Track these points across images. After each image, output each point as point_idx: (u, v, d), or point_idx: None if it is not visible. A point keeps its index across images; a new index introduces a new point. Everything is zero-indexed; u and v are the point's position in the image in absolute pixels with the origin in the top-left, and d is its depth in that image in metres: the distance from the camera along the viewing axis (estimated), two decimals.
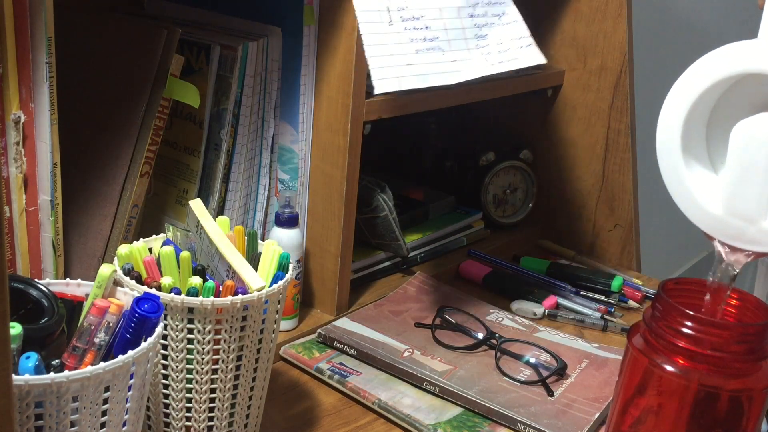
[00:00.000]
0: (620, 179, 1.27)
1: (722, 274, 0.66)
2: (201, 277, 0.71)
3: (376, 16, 0.85)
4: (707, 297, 0.68)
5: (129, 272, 0.71)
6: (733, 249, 0.64)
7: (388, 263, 1.15)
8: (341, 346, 0.95)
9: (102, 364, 0.56)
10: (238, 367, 0.72)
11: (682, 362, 0.66)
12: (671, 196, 0.66)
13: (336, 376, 0.90)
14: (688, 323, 0.65)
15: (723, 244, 0.64)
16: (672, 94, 0.64)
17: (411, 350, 0.95)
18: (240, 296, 0.69)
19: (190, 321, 0.69)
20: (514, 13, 0.95)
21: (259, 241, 0.79)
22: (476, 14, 0.92)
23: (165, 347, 0.70)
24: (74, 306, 0.66)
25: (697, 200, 0.64)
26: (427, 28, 0.88)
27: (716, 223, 0.64)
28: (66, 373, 0.55)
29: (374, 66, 0.84)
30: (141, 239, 0.77)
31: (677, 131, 0.63)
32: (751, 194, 0.61)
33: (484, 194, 1.31)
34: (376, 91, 0.85)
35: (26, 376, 0.54)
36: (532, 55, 0.95)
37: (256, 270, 0.74)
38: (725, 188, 0.63)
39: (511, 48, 0.93)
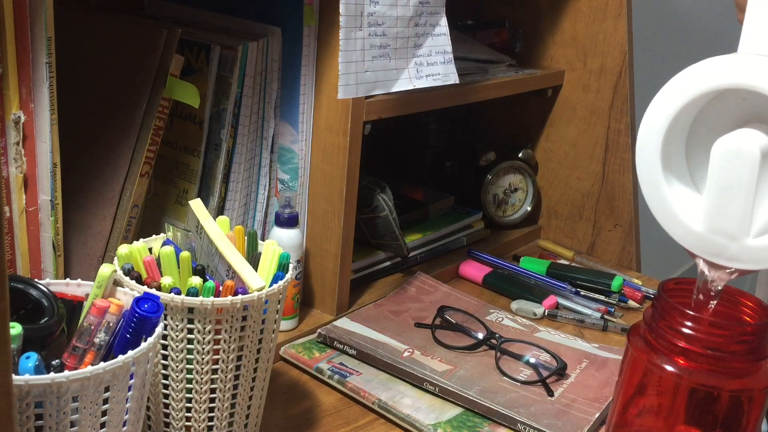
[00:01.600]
0: (620, 179, 1.27)
1: (705, 290, 0.65)
2: (201, 277, 0.71)
3: (352, 21, 0.86)
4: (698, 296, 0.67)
5: (129, 272, 0.71)
6: (716, 266, 0.63)
7: (388, 263, 1.15)
8: (341, 346, 0.95)
9: (102, 364, 0.56)
10: (238, 367, 0.72)
11: (682, 362, 0.66)
12: (652, 214, 0.65)
13: (336, 376, 0.90)
14: (688, 323, 0.65)
15: (705, 261, 0.64)
16: (651, 109, 0.62)
17: (411, 350, 0.95)
18: (240, 296, 0.69)
19: (190, 321, 0.69)
20: (444, 25, 0.96)
21: (259, 241, 0.79)
22: (420, 23, 0.92)
23: (165, 347, 0.70)
24: (74, 306, 0.66)
25: (679, 217, 0.63)
26: (384, 35, 0.89)
27: (698, 241, 0.63)
28: (66, 373, 0.55)
29: (341, 72, 0.85)
30: (141, 239, 0.77)
31: (657, 147, 0.62)
32: (732, 211, 0.60)
33: (484, 194, 1.31)
34: (340, 97, 0.87)
35: (26, 376, 0.54)
36: (449, 74, 0.97)
37: (256, 270, 0.74)
38: (706, 205, 0.61)
39: (436, 62, 0.94)
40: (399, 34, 0.90)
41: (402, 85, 0.93)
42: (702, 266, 0.64)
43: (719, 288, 0.65)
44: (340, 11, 0.85)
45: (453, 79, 0.98)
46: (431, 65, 0.94)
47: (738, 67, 0.58)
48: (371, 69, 0.88)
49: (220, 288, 0.70)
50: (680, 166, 0.64)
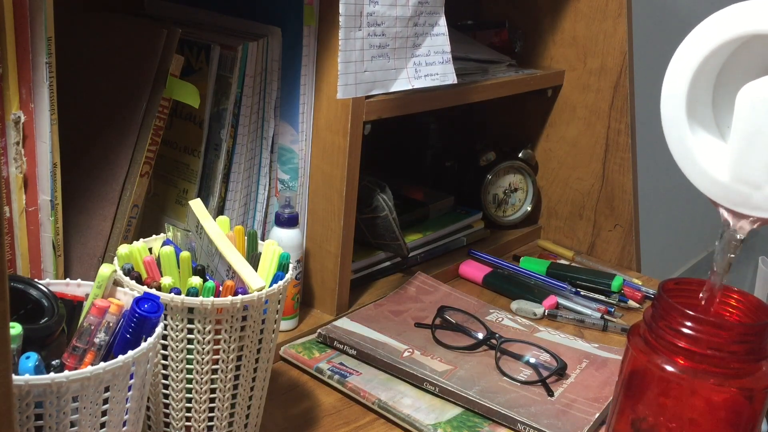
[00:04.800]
0: (620, 179, 1.27)
1: (728, 240, 0.64)
2: (201, 277, 0.71)
3: (352, 21, 0.86)
4: (703, 292, 0.67)
5: (129, 272, 0.71)
6: (739, 215, 0.62)
7: (388, 263, 1.15)
8: (341, 346, 0.95)
9: (102, 364, 0.56)
10: (238, 367, 0.72)
11: (682, 362, 0.66)
12: (675, 162, 0.64)
13: (336, 376, 0.90)
14: (688, 323, 0.65)
15: (728, 210, 0.63)
16: (676, 57, 0.61)
17: (411, 350, 0.95)
18: (240, 296, 0.69)
19: (190, 321, 0.69)
20: (443, 25, 0.96)
21: (259, 241, 0.79)
22: (419, 23, 0.92)
23: (165, 347, 0.70)
24: (74, 306, 0.66)
25: (703, 167, 0.62)
26: (383, 35, 0.89)
27: (722, 190, 0.62)
28: (66, 373, 0.55)
29: (341, 72, 0.85)
30: (141, 239, 0.77)
31: (682, 96, 0.61)
32: (757, 160, 0.59)
33: (484, 194, 1.31)
34: (339, 97, 0.87)
35: (26, 376, 0.54)
36: (447, 73, 0.97)
37: (256, 270, 0.74)
38: (731, 154, 0.60)
39: (435, 62, 0.94)
40: (398, 34, 0.90)
41: (400, 85, 0.93)
42: (725, 216, 0.64)
43: (741, 237, 0.63)
44: (340, 11, 0.85)
45: (451, 79, 0.98)
46: (430, 65, 0.95)
47: (766, 12, 0.57)
48: (370, 69, 0.88)
49: (220, 288, 0.70)
50: (705, 115, 0.63)
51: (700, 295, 0.68)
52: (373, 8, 0.87)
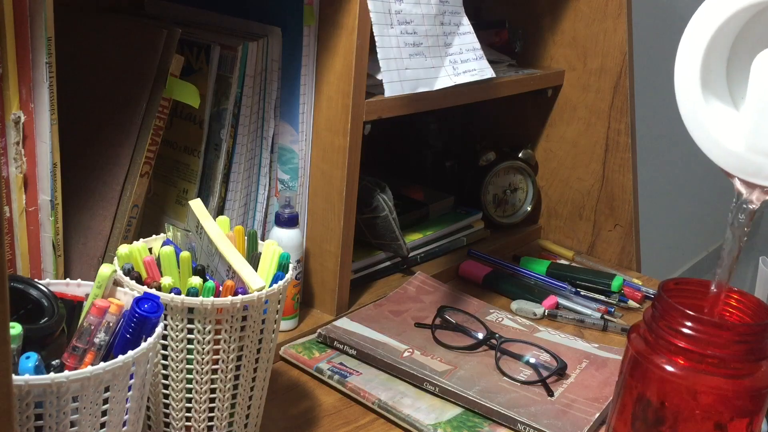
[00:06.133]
0: (620, 179, 1.27)
1: (741, 211, 0.64)
2: (201, 277, 0.71)
3: (383, 18, 0.85)
4: (712, 288, 0.67)
5: (129, 272, 0.71)
6: (753, 186, 0.62)
7: (388, 263, 1.15)
8: (341, 346, 0.95)
9: (102, 364, 0.56)
10: (238, 367, 0.72)
11: (682, 362, 0.66)
12: (689, 134, 0.63)
13: (336, 376, 0.90)
14: (688, 323, 0.65)
15: (742, 181, 0.62)
16: (690, 27, 0.61)
17: (411, 350, 0.95)
18: (240, 296, 0.69)
19: (190, 321, 0.69)
20: (467, 24, 0.97)
21: (259, 241, 0.79)
22: (445, 22, 0.93)
23: (165, 347, 0.70)
24: (74, 306, 0.66)
25: (717, 137, 0.62)
26: (414, 33, 0.89)
27: (736, 160, 0.61)
28: (66, 373, 0.55)
29: (384, 69, 0.85)
30: (141, 239, 0.77)
31: (696, 66, 0.61)
32: None
33: (484, 194, 1.31)
34: (387, 95, 0.87)
35: (26, 376, 0.54)
36: (484, 68, 0.97)
37: (256, 270, 0.74)
38: (746, 124, 0.60)
39: (469, 59, 0.95)
40: (428, 32, 0.90)
41: (443, 82, 0.94)
42: (738, 186, 0.63)
43: (756, 207, 0.63)
44: (369, 8, 0.85)
45: (489, 73, 0.99)
46: (465, 62, 0.95)
47: None
48: (411, 67, 0.88)
49: (220, 288, 0.70)
50: (719, 85, 0.63)
51: (711, 288, 0.67)
52: (400, 6, 0.87)
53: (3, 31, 0.70)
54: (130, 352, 0.58)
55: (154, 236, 0.79)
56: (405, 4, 0.88)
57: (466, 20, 0.97)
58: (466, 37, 0.95)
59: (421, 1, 0.89)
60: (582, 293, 1.16)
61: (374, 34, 0.85)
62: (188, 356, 0.70)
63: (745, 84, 0.60)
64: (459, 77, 0.94)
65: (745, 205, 0.64)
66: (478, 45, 0.97)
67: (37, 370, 0.55)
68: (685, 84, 0.62)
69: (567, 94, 1.30)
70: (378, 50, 0.85)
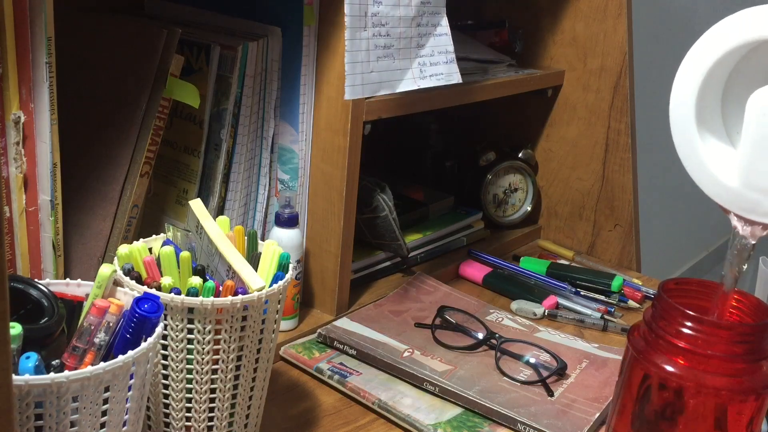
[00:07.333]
0: (620, 179, 1.27)
1: (739, 247, 0.64)
2: (201, 277, 0.71)
3: (357, 21, 0.86)
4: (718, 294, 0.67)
5: (129, 272, 0.71)
6: (749, 222, 0.62)
7: (388, 263, 1.15)
8: (341, 346, 0.95)
9: (102, 364, 0.56)
10: (238, 367, 0.72)
11: (682, 362, 0.66)
12: (685, 169, 0.64)
13: (336, 376, 0.90)
14: (688, 323, 0.65)
15: (739, 217, 0.63)
16: (685, 63, 0.61)
17: (411, 350, 0.95)
18: (240, 296, 0.69)
19: (190, 321, 0.69)
20: (446, 25, 0.96)
21: (259, 241, 0.79)
22: (422, 23, 0.93)
23: (165, 347, 0.70)
24: (74, 306, 0.66)
25: (713, 173, 0.62)
26: (388, 35, 0.89)
27: (732, 196, 0.62)
28: (66, 373, 0.55)
29: (348, 73, 0.86)
30: (141, 239, 0.77)
31: (691, 102, 0.61)
32: (767, 166, 0.59)
33: (484, 194, 1.31)
34: (347, 98, 0.87)
35: (26, 376, 0.54)
36: (452, 73, 0.97)
37: (256, 270, 0.74)
38: (741, 160, 0.60)
39: (439, 62, 0.95)
40: (402, 34, 0.90)
41: (406, 85, 0.93)
42: (735, 222, 0.64)
43: (752, 243, 0.64)
44: (345, 11, 0.85)
45: (456, 78, 0.98)
46: (434, 65, 0.95)
47: None
48: (376, 69, 0.88)
49: (220, 288, 0.70)
50: (715, 121, 0.63)
51: (714, 301, 0.68)
52: (378, 8, 0.87)
53: (3, 31, 0.70)
54: (130, 352, 0.58)
55: (154, 236, 0.79)
56: (383, 6, 0.88)
57: (445, 21, 0.96)
58: (441, 39, 0.95)
59: (401, 3, 0.89)
60: (582, 293, 1.16)
61: (345, 38, 0.85)
62: (188, 356, 0.70)
63: (740, 120, 0.61)
64: (424, 81, 0.94)
65: (742, 242, 0.64)
66: (451, 48, 0.97)
67: (37, 370, 0.55)
68: (681, 121, 0.63)
69: (567, 94, 1.30)
70: (345, 54, 0.85)
